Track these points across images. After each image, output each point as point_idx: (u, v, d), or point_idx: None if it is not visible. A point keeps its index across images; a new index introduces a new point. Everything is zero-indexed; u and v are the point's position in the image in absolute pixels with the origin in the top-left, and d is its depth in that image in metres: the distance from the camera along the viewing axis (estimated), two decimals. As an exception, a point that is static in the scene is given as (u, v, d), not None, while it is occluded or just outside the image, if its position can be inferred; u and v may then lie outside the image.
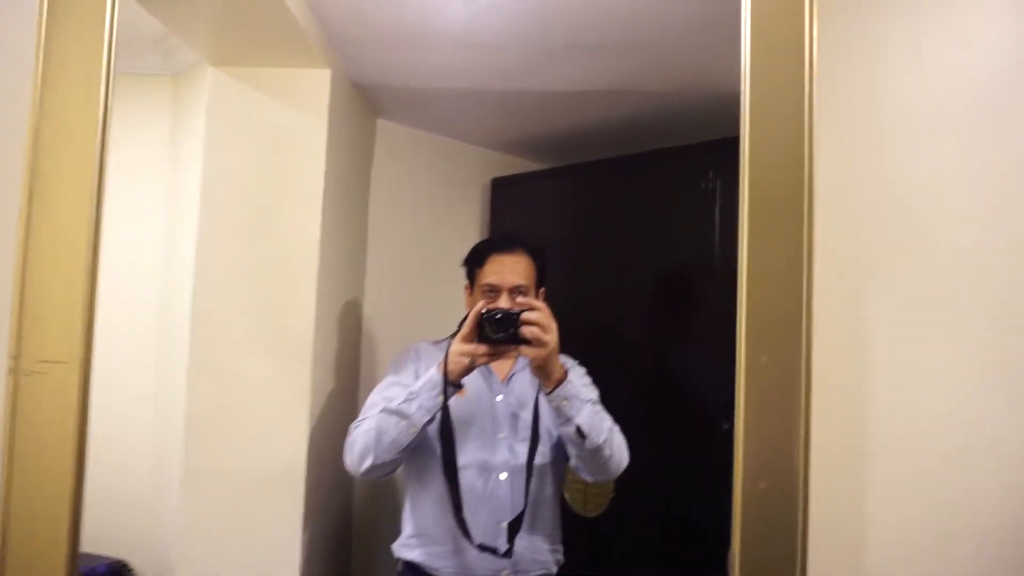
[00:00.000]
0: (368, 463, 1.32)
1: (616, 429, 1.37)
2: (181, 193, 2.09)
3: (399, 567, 1.47)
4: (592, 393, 1.45)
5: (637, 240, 1.93)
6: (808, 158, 0.81)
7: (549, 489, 1.46)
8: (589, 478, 1.44)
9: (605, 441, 1.32)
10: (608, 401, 1.43)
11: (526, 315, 1.25)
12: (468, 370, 1.29)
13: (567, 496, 1.89)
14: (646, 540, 1.81)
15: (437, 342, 1.51)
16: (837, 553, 0.80)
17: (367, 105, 1.95)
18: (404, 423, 1.30)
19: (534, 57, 1.66)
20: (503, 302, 1.38)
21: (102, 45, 0.85)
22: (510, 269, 1.44)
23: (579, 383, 1.36)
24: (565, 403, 1.29)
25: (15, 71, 0.85)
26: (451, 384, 1.30)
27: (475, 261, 1.49)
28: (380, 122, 2.05)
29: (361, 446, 1.34)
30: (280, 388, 1.54)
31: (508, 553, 1.35)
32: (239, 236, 1.58)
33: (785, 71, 0.84)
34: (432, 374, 1.32)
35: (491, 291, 1.43)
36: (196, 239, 1.58)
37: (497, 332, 1.25)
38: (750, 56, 0.85)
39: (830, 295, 0.82)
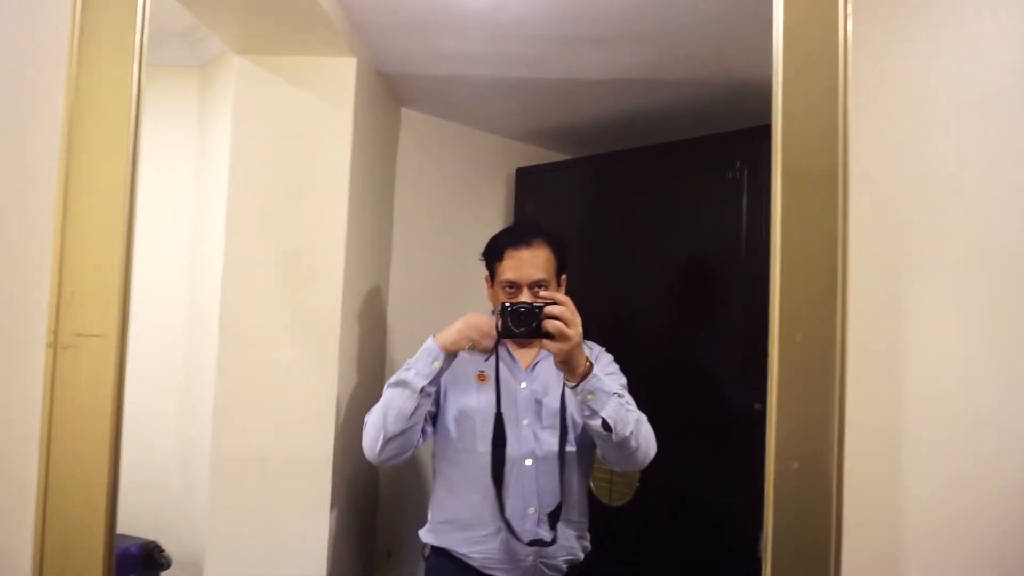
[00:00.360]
0: (380, 442, 1.35)
1: (643, 420, 1.36)
2: (208, 183, 2.12)
3: (426, 552, 1.48)
4: (619, 382, 1.44)
5: (662, 230, 1.91)
6: (843, 132, 0.80)
7: (576, 477, 1.45)
8: (617, 468, 1.47)
9: (632, 433, 1.30)
10: (633, 391, 1.43)
11: (549, 309, 1.25)
12: (462, 346, 1.35)
13: (592, 485, 1.88)
14: (671, 529, 1.80)
15: None
16: (872, 534, 0.79)
17: (392, 94, 1.96)
18: (406, 392, 1.34)
19: (558, 45, 1.65)
20: (524, 297, 1.38)
21: (134, 32, 0.87)
22: (529, 263, 1.42)
23: (604, 376, 1.35)
24: (590, 397, 1.28)
25: (51, 57, 0.87)
26: (447, 353, 1.34)
27: (493, 255, 1.48)
28: (404, 111, 2.06)
29: (372, 427, 1.37)
30: (307, 375, 1.56)
31: (554, 541, 1.35)
32: (266, 224, 1.59)
33: (819, 51, 0.83)
34: (428, 342, 1.36)
35: (511, 287, 1.42)
36: (224, 228, 1.60)
37: (519, 326, 1.25)
38: (783, 33, 0.84)
39: (866, 273, 0.80)
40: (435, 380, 1.36)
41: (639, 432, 1.32)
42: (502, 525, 1.36)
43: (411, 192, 2.06)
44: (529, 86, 1.89)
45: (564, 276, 1.50)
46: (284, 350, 1.56)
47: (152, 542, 1.78)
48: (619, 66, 1.76)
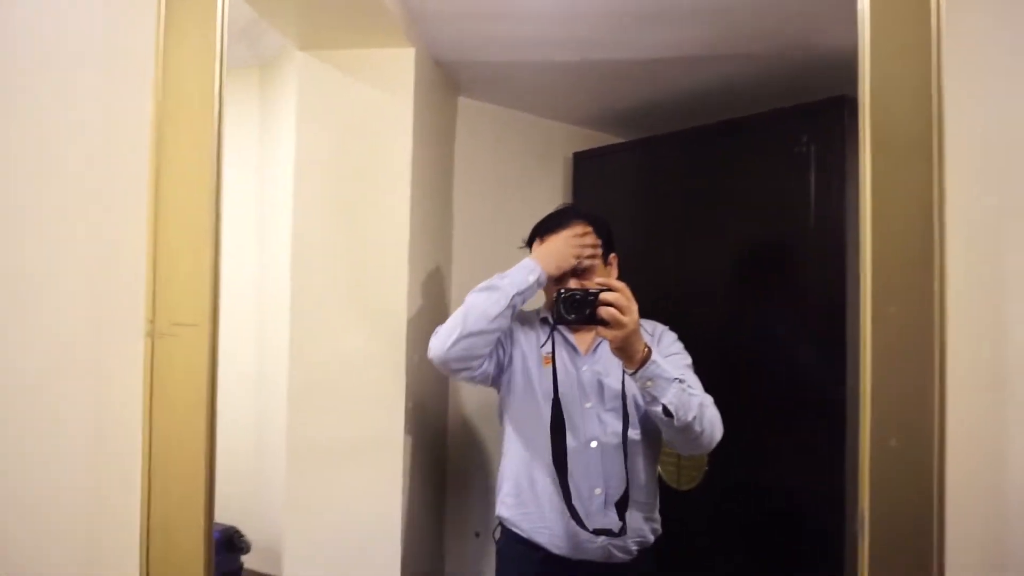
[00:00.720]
0: (454, 337, 1.34)
1: (707, 403, 1.32)
2: (270, 179, 2.17)
3: (497, 534, 1.50)
4: (683, 362, 1.42)
5: (727, 209, 1.87)
6: (936, 94, 0.76)
7: (642, 460, 1.44)
8: (682, 452, 1.45)
9: (695, 418, 1.27)
10: (701, 374, 1.41)
11: (604, 295, 1.22)
12: (563, 267, 1.38)
13: (659, 469, 1.87)
14: (741, 513, 1.77)
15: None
16: (976, 514, 0.76)
17: (448, 83, 1.97)
18: (495, 295, 1.36)
19: (617, 25, 1.62)
20: (572, 284, 1.37)
21: (215, 33, 0.89)
22: None
23: (666, 358, 1.33)
24: (649, 383, 1.25)
25: (138, 54, 0.90)
26: (545, 272, 1.37)
27: (533, 245, 1.48)
28: (461, 100, 2.07)
29: (448, 327, 1.37)
30: (376, 360, 1.59)
31: (622, 531, 1.34)
32: (332, 216, 1.62)
33: (908, 7, 0.79)
34: (525, 260, 1.39)
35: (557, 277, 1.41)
36: (291, 220, 1.63)
37: (571, 312, 1.23)
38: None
39: (964, 241, 0.76)
40: (525, 296, 1.37)
41: (702, 416, 1.29)
42: (566, 511, 1.36)
43: (469, 180, 2.07)
44: (585, 69, 1.87)
45: (613, 255, 1.48)
46: (353, 339, 1.59)
47: (232, 527, 1.85)
48: (678, 43, 1.72)
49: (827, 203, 1.67)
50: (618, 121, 2.28)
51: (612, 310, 1.20)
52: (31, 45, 0.91)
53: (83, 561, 0.85)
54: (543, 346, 1.44)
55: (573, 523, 1.35)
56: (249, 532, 1.89)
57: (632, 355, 1.23)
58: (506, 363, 1.47)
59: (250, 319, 2.02)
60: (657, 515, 1.48)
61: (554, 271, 1.40)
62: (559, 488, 1.38)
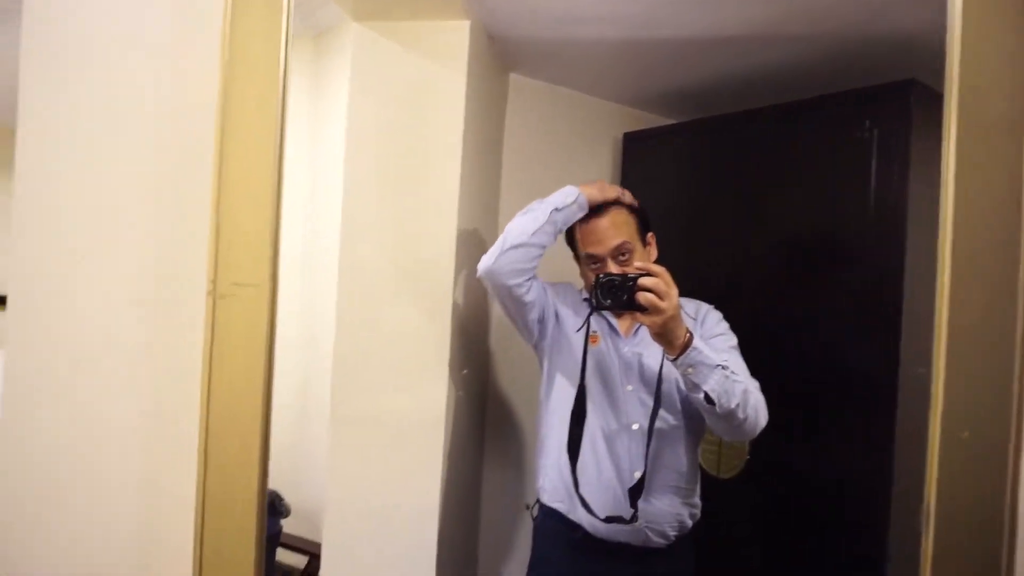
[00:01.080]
0: (497, 252, 1.38)
1: (751, 389, 1.29)
2: (321, 148, 2.19)
3: (535, 511, 1.50)
4: (727, 343, 1.39)
5: (782, 197, 1.82)
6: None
7: (681, 445, 1.42)
8: (725, 438, 1.46)
9: (738, 405, 1.24)
10: (750, 361, 1.37)
11: (642, 280, 1.19)
12: (606, 196, 1.40)
13: (699, 457, 1.84)
14: (784, 504, 1.74)
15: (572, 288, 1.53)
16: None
17: (500, 58, 1.95)
18: (531, 215, 1.39)
19: (675, 2, 1.58)
20: (611, 268, 1.35)
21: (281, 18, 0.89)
22: (605, 231, 1.39)
23: (710, 340, 1.30)
24: (691, 370, 1.22)
25: (205, 30, 0.91)
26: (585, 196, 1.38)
27: (572, 234, 1.46)
28: (512, 76, 2.04)
29: (492, 248, 1.41)
30: (422, 334, 1.59)
31: (634, 519, 1.32)
32: (381, 187, 1.62)
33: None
34: (567, 187, 1.41)
35: (594, 262, 1.40)
36: (342, 190, 1.64)
37: (607, 297, 1.21)
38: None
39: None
40: (565, 216, 1.39)
41: (746, 403, 1.25)
42: (609, 491, 1.36)
43: (517, 157, 2.05)
44: (639, 47, 1.83)
45: (651, 234, 1.46)
46: (400, 311, 1.60)
47: (273, 491, 1.89)
48: (737, 22, 1.67)
49: (888, 191, 1.62)
50: (670, 102, 2.23)
51: (650, 295, 1.17)
52: (103, 17, 0.92)
53: (140, 521, 0.87)
54: (579, 329, 1.43)
55: (615, 496, 1.35)
56: (289, 496, 1.93)
57: (672, 341, 1.20)
58: (549, 325, 1.48)
59: (296, 285, 2.04)
60: (697, 500, 1.46)
61: (597, 196, 1.40)
62: (601, 468, 1.37)
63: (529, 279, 1.41)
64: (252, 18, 0.88)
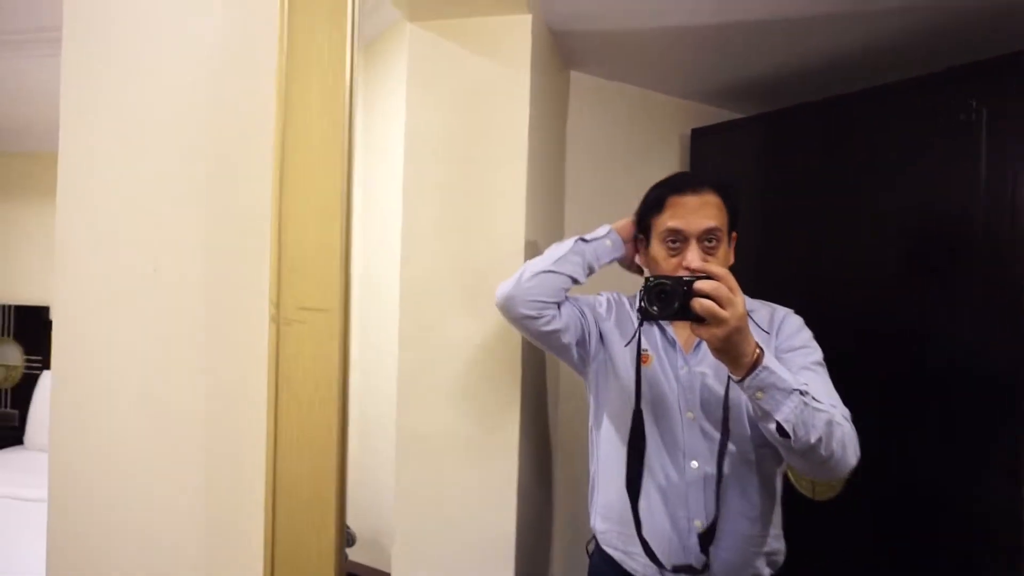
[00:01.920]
0: (515, 279, 1.27)
1: (838, 420, 1.01)
2: (373, 159, 2.12)
3: (591, 548, 1.36)
4: (809, 358, 1.14)
5: (872, 190, 1.66)
6: None
7: (753, 485, 1.18)
8: (807, 475, 1.23)
9: (820, 440, 0.98)
10: (839, 372, 1.15)
11: (699, 284, 0.97)
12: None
13: (790, 475, 1.69)
14: (886, 529, 1.58)
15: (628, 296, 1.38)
16: None
17: (562, 55, 1.85)
18: (560, 244, 1.31)
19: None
20: (692, 253, 1.14)
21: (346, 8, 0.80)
22: (696, 210, 1.16)
23: (779, 367, 1.00)
24: (760, 395, 0.97)
25: (264, 38, 0.83)
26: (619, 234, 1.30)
27: (652, 207, 1.22)
28: (573, 74, 1.94)
29: (513, 275, 1.30)
30: (490, 350, 1.49)
31: (706, 567, 1.14)
32: (444, 195, 1.53)
33: None
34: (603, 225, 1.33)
35: (674, 240, 1.17)
36: (402, 201, 1.55)
37: (655, 304, 1.00)
38: None
39: None
40: (595, 249, 1.29)
41: (831, 437, 0.99)
42: (664, 534, 1.18)
43: (582, 158, 1.95)
44: (708, 36, 1.70)
45: (735, 234, 1.24)
46: (466, 323, 1.50)
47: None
48: (815, 0, 1.53)
49: (1000, 178, 1.45)
50: (738, 95, 2.09)
51: (709, 303, 0.95)
52: (147, 31, 0.85)
53: (204, 565, 0.79)
54: (628, 344, 1.24)
55: (673, 545, 1.17)
56: (353, 524, 1.85)
57: (737, 358, 0.97)
58: (592, 347, 1.30)
59: (354, 303, 1.98)
60: (776, 545, 1.21)
61: (629, 228, 1.32)
62: (653, 512, 1.18)
63: (551, 313, 1.26)
64: (314, 17, 0.80)
